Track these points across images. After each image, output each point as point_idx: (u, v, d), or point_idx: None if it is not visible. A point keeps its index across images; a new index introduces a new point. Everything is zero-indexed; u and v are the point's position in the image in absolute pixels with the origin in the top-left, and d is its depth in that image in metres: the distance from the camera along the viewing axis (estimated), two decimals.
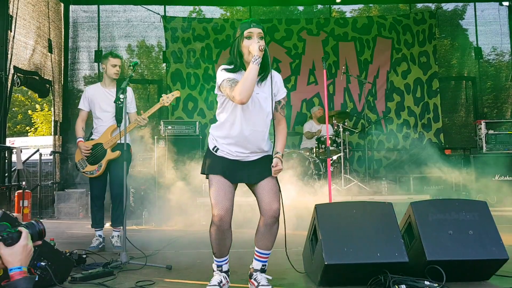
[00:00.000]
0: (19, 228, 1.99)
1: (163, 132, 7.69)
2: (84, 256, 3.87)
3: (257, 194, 3.01)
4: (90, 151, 4.71)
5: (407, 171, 7.54)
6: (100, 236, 4.81)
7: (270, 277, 3.05)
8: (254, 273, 3.05)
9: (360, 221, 3.04)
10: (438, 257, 2.95)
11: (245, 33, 2.85)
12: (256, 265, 3.07)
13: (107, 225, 5.04)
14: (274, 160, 2.92)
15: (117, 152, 4.66)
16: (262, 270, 3.05)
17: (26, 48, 7.46)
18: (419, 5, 10.08)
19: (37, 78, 7.79)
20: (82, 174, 4.91)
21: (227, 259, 3.14)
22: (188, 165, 7.17)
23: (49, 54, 8.35)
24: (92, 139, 4.81)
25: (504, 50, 9.81)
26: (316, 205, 3.18)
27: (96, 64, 9.37)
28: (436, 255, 2.96)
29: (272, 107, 2.93)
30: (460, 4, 10.09)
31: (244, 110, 2.87)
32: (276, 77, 3.02)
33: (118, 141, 4.64)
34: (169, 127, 7.74)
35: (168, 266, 3.72)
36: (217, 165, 2.97)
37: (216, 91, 2.96)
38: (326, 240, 2.93)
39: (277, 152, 2.96)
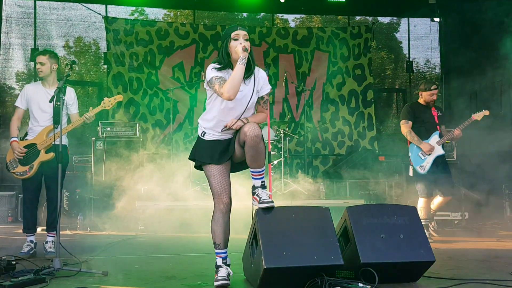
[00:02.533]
0: None
1: (101, 134, 7.44)
2: (14, 262, 3.66)
3: (239, 139, 3.18)
4: (24, 153, 4.48)
5: (344, 176, 7.81)
6: (31, 241, 4.58)
7: (270, 193, 3.33)
8: (256, 189, 3.29)
9: (299, 225, 3.13)
10: (371, 260, 3.10)
11: (232, 35, 3.16)
12: (256, 182, 3.30)
13: (39, 229, 4.82)
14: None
15: (51, 154, 4.46)
16: (263, 186, 3.29)
17: None
18: (357, 17, 10.53)
19: None
20: (13, 176, 4.65)
21: (227, 251, 3.31)
22: (127, 168, 7.00)
23: None
24: (26, 139, 4.58)
25: (435, 63, 10.45)
26: (256, 209, 3.23)
27: (32, 62, 8.91)
28: (369, 258, 3.10)
29: (248, 102, 3.19)
30: (395, 17, 10.67)
31: (226, 103, 3.17)
32: (260, 74, 3.32)
33: (53, 143, 4.44)
34: (108, 128, 7.49)
35: (104, 272, 3.61)
36: (205, 152, 3.29)
37: (205, 85, 3.26)
38: (266, 244, 2.98)
39: (244, 118, 3.20)
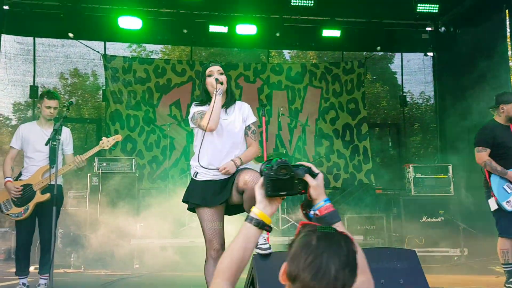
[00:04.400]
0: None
1: (97, 169, 7.39)
2: None
3: (237, 186, 3.14)
4: (20, 193, 4.43)
5: (341, 210, 7.75)
6: (24, 284, 4.49)
7: (268, 236, 3.26)
8: None
9: None
10: None
11: (207, 72, 3.31)
12: None
13: (32, 268, 4.72)
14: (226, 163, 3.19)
15: (47, 195, 4.41)
16: None
17: None
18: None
19: None
20: (6, 217, 4.59)
21: None
22: (123, 204, 6.93)
23: None
24: (21, 179, 4.54)
25: (429, 96, 10.56)
26: (253, 255, 3.18)
27: (30, 100, 8.98)
28: None
29: (235, 131, 3.29)
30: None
31: (212, 136, 3.23)
32: (244, 105, 3.42)
33: (49, 183, 4.40)
34: (104, 164, 7.44)
35: None
36: (197, 193, 3.26)
37: (190, 124, 3.36)
38: None
39: (236, 157, 3.24)
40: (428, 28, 9.59)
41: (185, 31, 8.94)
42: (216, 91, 3.17)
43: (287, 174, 1.72)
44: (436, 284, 3.26)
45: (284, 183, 1.72)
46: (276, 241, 5.94)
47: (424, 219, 6.88)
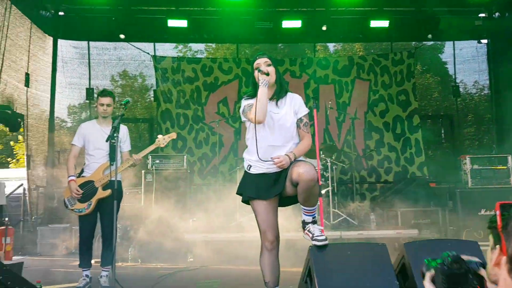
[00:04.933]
0: None
1: (150, 166, 7.63)
2: None
3: (291, 178, 3.13)
4: (81, 194, 4.62)
5: (394, 204, 7.59)
6: (87, 276, 4.69)
7: (322, 227, 3.27)
8: (307, 225, 3.26)
9: (355, 263, 3.05)
10: None
11: (254, 65, 3.33)
12: (307, 218, 3.27)
13: (93, 261, 4.93)
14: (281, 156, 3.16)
15: (108, 191, 4.59)
16: (314, 222, 3.25)
17: None
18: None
19: (9, 112, 7.63)
20: (69, 211, 4.82)
21: None
22: (176, 199, 7.11)
23: (25, 88, 8.25)
24: (83, 176, 4.75)
25: (484, 85, 10.14)
26: (310, 246, 3.19)
27: (87, 101, 9.41)
28: None
29: (287, 124, 3.25)
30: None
31: (264, 129, 3.22)
32: (295, 97, 3.38)
33: (110, 179, 4.57)
34: (157, 161, 7.67)
35: None
36: (251, 186, 3.28)
37: (242, 118, 3.40)
38: (321, 283, 2.92)
39: (290, 151, 3.21)
40: (481, 14, 9.19)
41: (230, 30, 9.06)
42: (261, 82, 3.17)
43: (462, 269, 1.71)
44: None
45: (459, 277, 1.71)
46: (327, 235, 5.90)
47: (482, 212, 6.62)
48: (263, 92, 3.16)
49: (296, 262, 5.04)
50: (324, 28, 9.13)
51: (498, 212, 1.36)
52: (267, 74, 3.22)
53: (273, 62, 3.32)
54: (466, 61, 9.90)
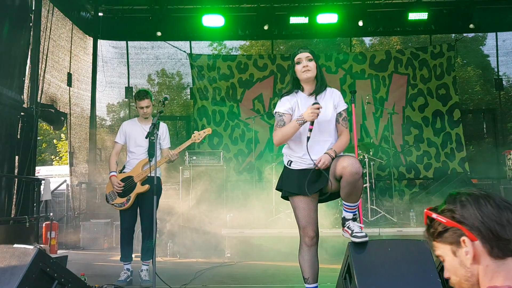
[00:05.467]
0: None
1: (187, 163, 7.73)
2: None
3: (335, 173, 3.08)
4: (123, 188, 4.75)
5: (434, 201, 7.39)
6: (128, 269, 4.81)
7: (362, 225, 3.24)
8: (347, 222, 3.22)
9: (395, 260, 2.99)
10: None
11: (295, 59, 3.27)
12: (347, 215, 3.23)
13: (133, 256, 5.05)
14: (321, 156, 3.14)
15: (146, 186, 4.70)
16: (354, 219, 3.21)
17: (41, 82, 7.51)
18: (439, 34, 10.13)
19: (52, 111, 7.91)
20: (110, 206, 4.96)
21: (317, 285, 3.27)
22: (213, 195, 7.18)
23: (67, 87, 8.52)
24: (124, 172, 4.88)
25: None
26: (349, 242, 3.15)
27: (127, 100, 9.66)
28: None
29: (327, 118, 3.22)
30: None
31: (304, 124, 3.16)
32: (335, 92, 3.35)
33: (148, 175, 4.68)
34: (194, 158, 7.76)
35: None
36: (292, 182, 3.25)
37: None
38: (361, 280, 2.87)
39: (330, 149, 3.19)
40: None
41: (266, 27, 9.05)
42: (299, 120, 3.10)
43: None
44: None
45: None
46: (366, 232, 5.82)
47: None
48: (294, 127, 3.13)
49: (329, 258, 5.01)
50: (360, 23, 9.00)
51: (435, 216, 1.32)
52: (312, 122, 3.10)
53: (314, 56, 3.27)
54: (510, 53, 9.52)
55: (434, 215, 1.32)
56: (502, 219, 1.24)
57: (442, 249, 1.31)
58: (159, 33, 8.96)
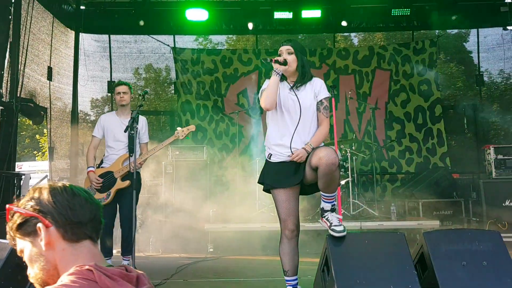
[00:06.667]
0: None
1: (170, 157, 7.70)
2: None
3: (311, 163, 3.09)
4: (101, 184, 4.70)
5: (415, 196, 7.49)
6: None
7: (340, 216, 3.24)
8: (326, 213, 3.24)
9: (372, 252, 3.02)
10: None
11: (278, 52, 3.36)
12: (326, 206, 3.25)
13: (114, 251, 5.02)
14: (297, 150, 3.17)
15: (127, 182, 4.65)
16: (332, 210, 3.23)
17: (21, 76, 7.38)
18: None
19: (31, 105, 7.77)
20: None
21: (297, 278, 3.29)
22: (196, 190, 7.17)
23: (47, 81, 8.39)
24: (102, 167, 4.82)
25: (510, 73, 9.86)
26: (327, 235, 3.17)
27: (109, 94, 9.55)
28: (449, 287, 2.92)
29: (306, 106, 3.25)
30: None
31: (282, 113, 3.27)
32: (316, 80, 3.37)
33: (130, 171, 4.63)
34: (177, 152, 7.73)
35: None
36: (272, 175, 3.29)
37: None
38: (338, 272, 2.90)
39: (307, 143, 3.21)
40: (508, 0, 8.90)
41: (250, 26, 9.04)
42: (274, 71, 3.20)
43: None
44: None
45: None
46: (347, 226, 5.87)
47: (507, 203, 6.46)
48: (273, 80, 3.19)
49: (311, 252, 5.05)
50: (344, 23, 9.10)
51: (16, 209, 1.31)
52: (283, 64, 3.22)
53: (296, 50, 3.30)
54: (491, 49, 9.63)
55: (15, 208, 1.31)
56: (75, 204, 1.29)
57: (22, 243, 1.31)
58: (141, 22, 8.81)
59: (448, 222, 6.93)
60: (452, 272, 2.97)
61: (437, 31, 9.96)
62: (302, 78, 3.31)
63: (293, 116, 3.25)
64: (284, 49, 3.31)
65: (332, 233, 3.12)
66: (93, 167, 4.79)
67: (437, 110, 9.44)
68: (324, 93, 3.34)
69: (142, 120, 4.87)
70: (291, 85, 3.32)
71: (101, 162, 4.90)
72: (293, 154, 3.18)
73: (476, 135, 9.62)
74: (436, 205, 7.18)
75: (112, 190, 4.69)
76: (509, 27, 9.21)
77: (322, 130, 3.31)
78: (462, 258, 3.03)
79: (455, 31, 10.62)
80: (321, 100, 3.32)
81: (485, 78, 9.93)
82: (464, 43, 11.27)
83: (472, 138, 9.74)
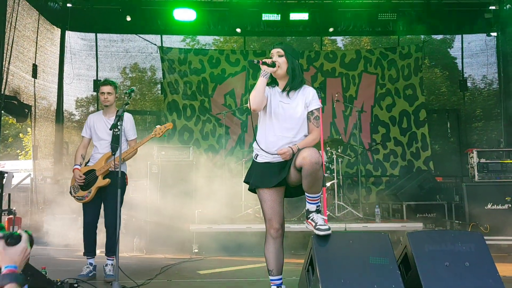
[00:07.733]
0: (19, 231, 1.98)
1: (156, 158, 7.64)
2: (76, 285, 3.80)
3: (295, 164, 3.12)
4: (84, 180, 4.70)
5: (399, 198, 7.56)
6: (91, 264, 4.74)
7: (326, 217, 3.26)
8: (311, 214, 3.25)
9: (357, 252, 3.05)
10: None
11: (270, 55, 3.36)
12: (311, 207, 3.26)
13: (98, 251, 4.98)
14: (284, 148, 3.20)
15: (107, 180, 4.64)
16: (317, 211, 3.25)
17: (5, 73, 7.29)
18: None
19: (15, 103, 7.67)
20: (76, 201, 4.87)
21: (282, 278, 3.30)
22: (181, 191, 7.13)
23: (32, 79, 8.28)
24: (87, 166, 4.83)
25: (493, 79, 10.03)
26: (312, 235, 3.19)
27: (95, 93, 9.46)
28: (432, 287, 2.96)
29: (297, 116, 3.27)
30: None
31: (271, 119, 3.29)
32: (308, 90, 3.36)
33: (111, 169, 4.62)
34: (163, 153, 7.67)
35: None
36: (257, 175, 3.32)
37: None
38: (323, 272, 2.92)
39: (294, 144, 3.23)
40: (492, 7, 9.07)
41: (238, 30, 9.06)
42: (261, 72, 3.21)
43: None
44: (501, 273, 3.11)
45: None
46: (332, 228, 5.90)
47: (489, 206, 6.55)
48: (260, 82, 3.19)
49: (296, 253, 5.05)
50: (330, 30, 9.20)
51: None
52: (272, 65, 3.22)
53: (287, 53, 3.30)
54: (475, 55, 9.80)
55: None
56: None
57: None
58: (128, 18, 8.73)
59: (431, 225, 7.01)
60: (435, 272, 3.01)
61: (422, 36, 10.10)
62: (291, 82, 3.31)
63: (282, 124, 3.27)
64: (275, 51, 3.33)
65: (317, 232, 3.13)
66: (79, 165, 4.81)
67: (422, 115, 9.57)
68: (316, 103, 3.33)
69: (127, 117, 4.85)
70: (282, 88, 3.33)
71: (88, 161, 4.89)
72: (279, 150, 3.21)
73: (459, 139, 9.77)
74: (419, 207, 7.26)
75: (93, 188, 4.68)
76: (492, 33, 9.37)
77: (311, 136, 3.31)
78: (445, 259, 3.08)
79: (440, 36, 10.76)
80: (311, 111, 3.32)
81: (469, 84, 10.10)
82: (449, 49, 11.42)
83: (455, 142, 9.89)
